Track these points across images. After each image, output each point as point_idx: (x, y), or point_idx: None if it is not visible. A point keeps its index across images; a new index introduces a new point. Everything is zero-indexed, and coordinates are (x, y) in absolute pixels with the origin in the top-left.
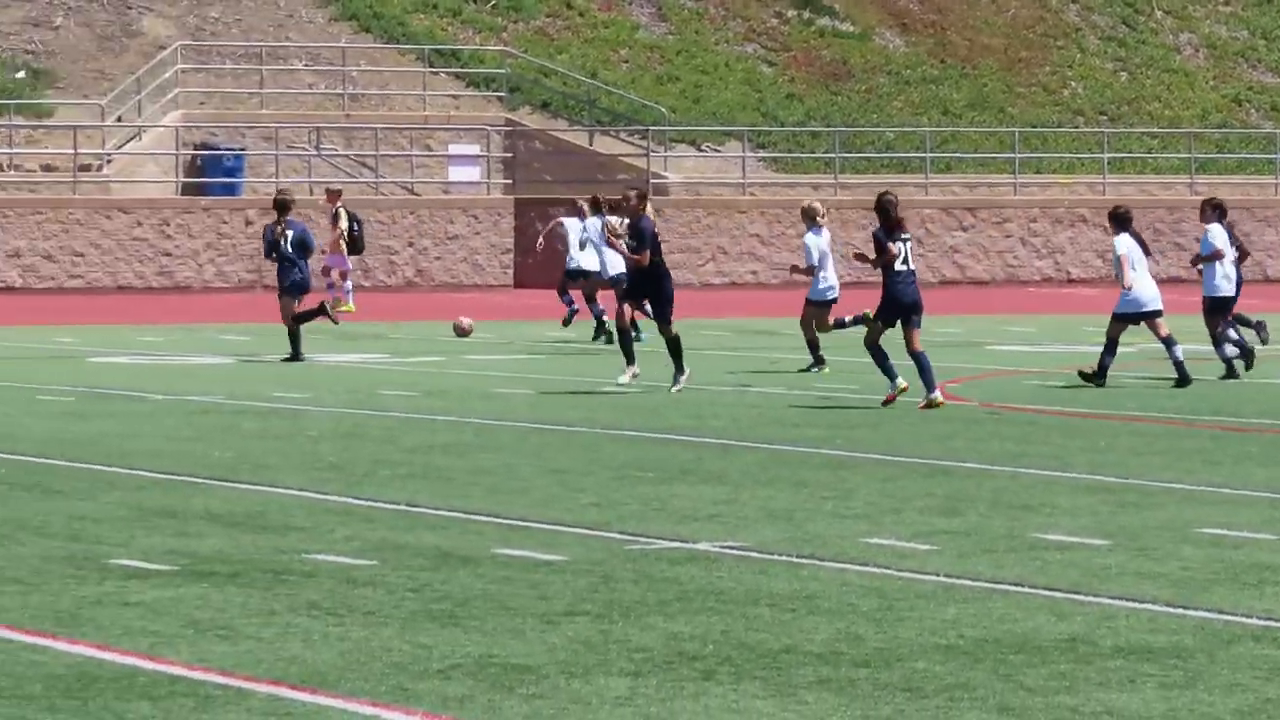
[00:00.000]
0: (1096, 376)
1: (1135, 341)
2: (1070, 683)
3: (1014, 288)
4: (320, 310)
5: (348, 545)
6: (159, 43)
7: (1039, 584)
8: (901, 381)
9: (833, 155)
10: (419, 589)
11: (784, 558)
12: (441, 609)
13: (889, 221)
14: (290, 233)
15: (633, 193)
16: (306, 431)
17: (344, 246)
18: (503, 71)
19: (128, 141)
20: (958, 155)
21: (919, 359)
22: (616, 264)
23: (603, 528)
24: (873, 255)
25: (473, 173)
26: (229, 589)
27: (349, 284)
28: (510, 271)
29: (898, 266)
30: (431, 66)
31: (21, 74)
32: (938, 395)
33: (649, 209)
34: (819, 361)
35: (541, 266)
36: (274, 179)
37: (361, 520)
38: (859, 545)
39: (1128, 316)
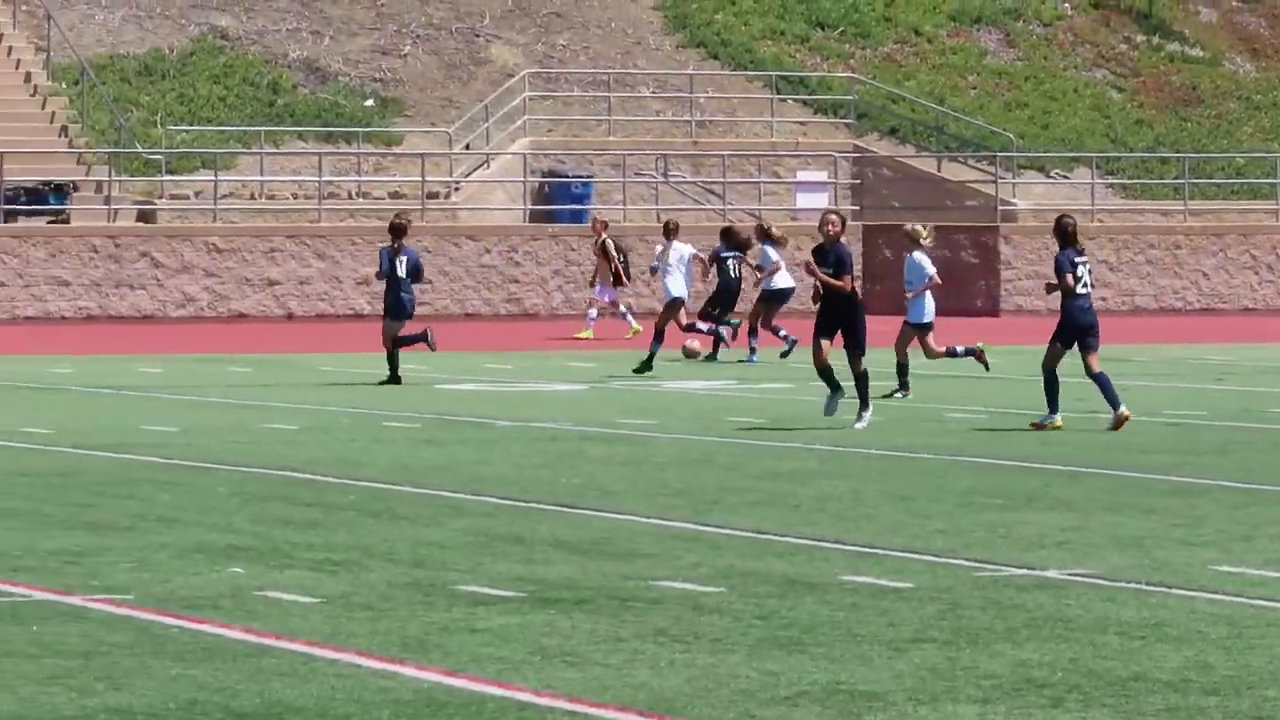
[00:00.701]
0: None
1: None
2: None
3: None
4: (422, 336)
5: (695, 572)
6: (507, 70)
7: None
8: (1058, 419)
9: (1182, 181)
10: (766, 616)
11: (1132, 585)
12: (788, 636)
13: (1068, 244)
14: (405, 258)
15: (834, 217)
16: (654, 458)
17: (613, 278)
18: (850, 98)
19: (475, 169)
20: None
21: (1099, 380)
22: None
23: (950, 554)
24: (1055, 280)
25: (820, 199)
26: (576, 615)
27: (623, 308)
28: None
29: (1078, 290)
30: (779, 93)
31: (370, 102)
32: (1124, 410)
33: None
34: (904, 386)
35: (891, 294)
36: (621, 205)
37: (708, 547)
38: (1208, 573)
39: None
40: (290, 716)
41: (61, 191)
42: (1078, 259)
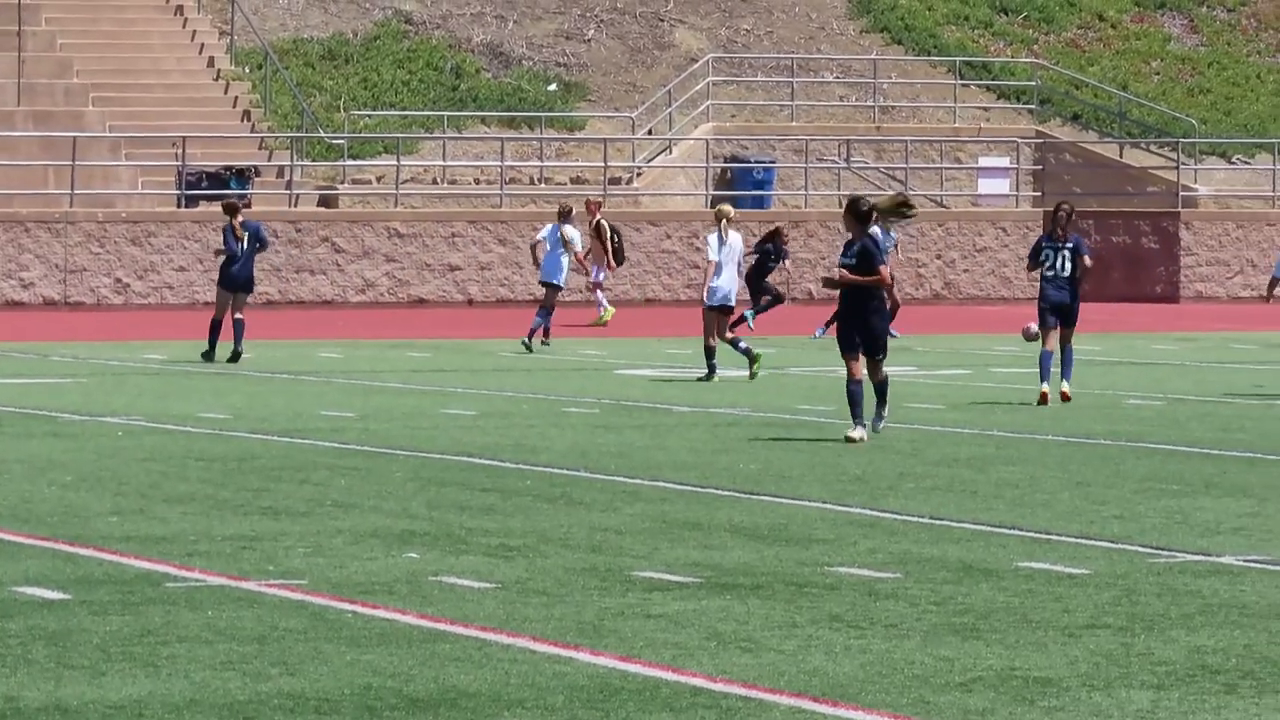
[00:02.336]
0: None
1: None
2: None
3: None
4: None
5: (870, 558)
6: (690, 55)
7: None
8: (1045, 387)
9: None
10: (941, 601)
11: None
12: (964, 622)
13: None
14: (247, 232)
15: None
16: (830, 443)
17: (609, 260)
18: (1033, 84)
19: (658, 154)
20: None
21: (1063, 355)
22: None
23: (1126, 540)
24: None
25: (1002, 185)
26: (751, 601)
27: (601, 295)
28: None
29: (1045, 273)
30: (962, 78)
31: (553, 87)
32: (1045, 387)
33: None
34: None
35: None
36: (804, 191)
37: (885, 533)
38: None
39: None
40: (465, 701)
41: (243, 176)
42: (1045, 244)
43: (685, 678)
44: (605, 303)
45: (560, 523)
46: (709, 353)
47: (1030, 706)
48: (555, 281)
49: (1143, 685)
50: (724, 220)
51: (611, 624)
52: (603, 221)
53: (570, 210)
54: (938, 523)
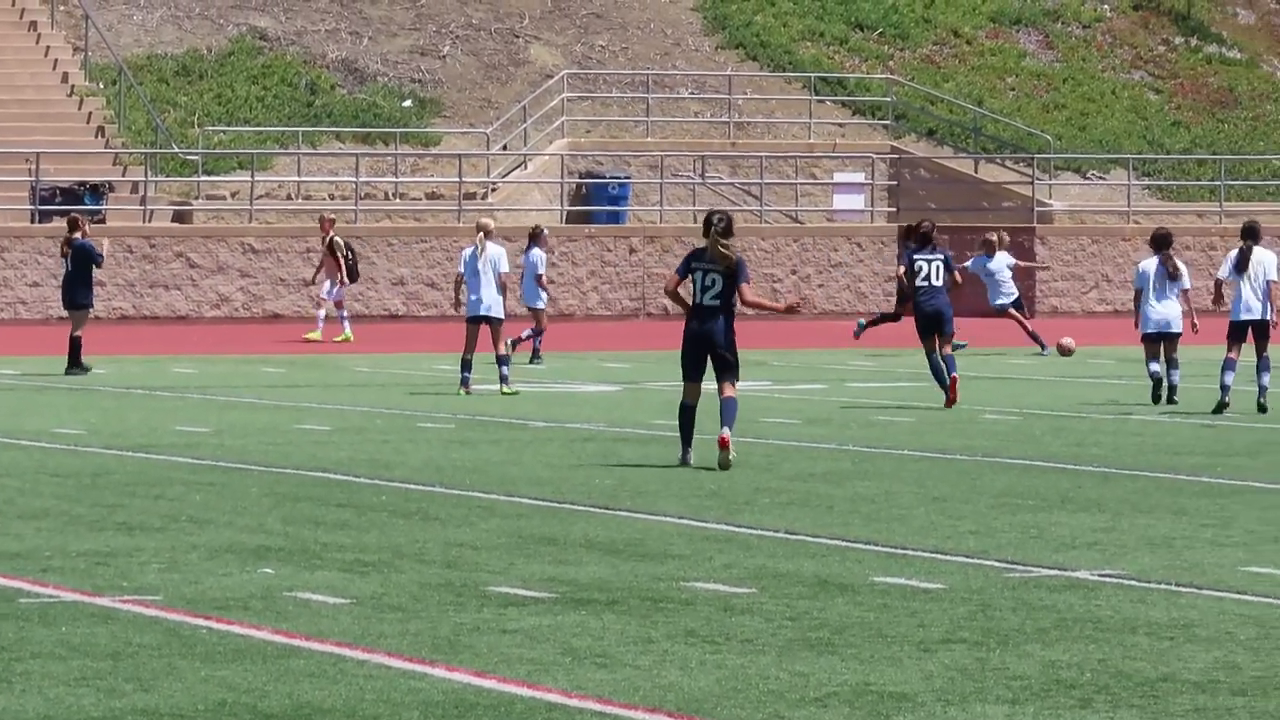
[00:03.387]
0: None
1: None
2: None
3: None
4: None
5: (726, 573)
6: (545, 71)
7: None
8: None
9: (1218, 183)
10: (797, 617)
11: (1162, 586)
12: (819, 637)
13: (924, 244)
14: (71, 250)
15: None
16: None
17: (343, 277)
18: (888, 100)
19: (513, 170)
20: None
21: (946, 360)
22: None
23: (981, 555)
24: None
25: (857, 200)
26: (607, 616)
27: (344, 313)
28: (893, 300)
29: (918, 283)
30: (817, 94)
31: (408, 103)
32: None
33: None
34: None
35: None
36: (659, 207)
37: (740, 548)
38: (1238, 574)
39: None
40: (319, 717)
41: (97, 192)
42: (917, 255)
43: (540, 693)
44: (347, 326)
45: (415, 538)
46: (465, 365)
47: None
48: (537, 306)
49: (998, 700)
50: (482, 233)
51: (466, 640)
52: (336, 238)
53: (540, 231)
54: (793, 538)
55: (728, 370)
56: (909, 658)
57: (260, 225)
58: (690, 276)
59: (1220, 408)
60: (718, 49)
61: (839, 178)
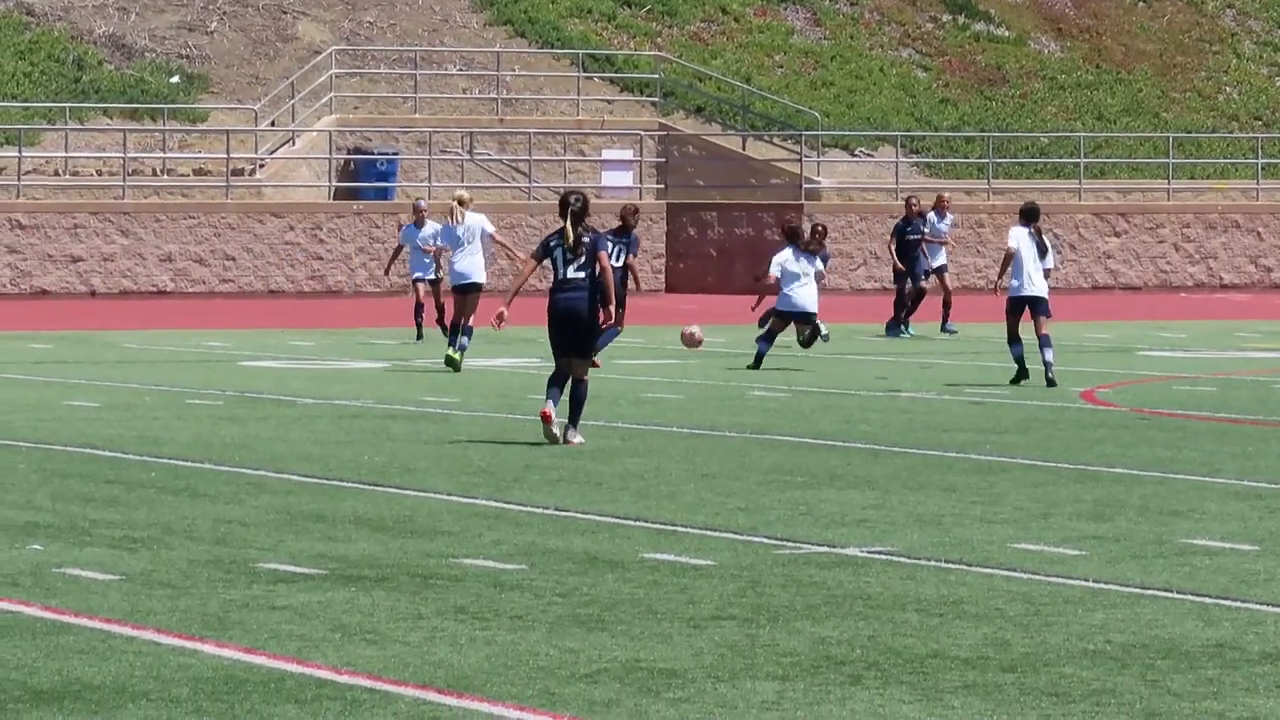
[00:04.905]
0: None
1: None
2: (1217, 688)
3: (1166, 293)
4: None
5: (496, 549)
6: (313, 47)
7: (1187, 589)
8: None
9: (986, 160)
10: (567, 593)
11: (932, 563)
12: (589, 613)
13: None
14: None
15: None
16: (456, 436)
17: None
18: (657, 76)
19: (281, 146)
20: (1111, 160)
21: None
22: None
23: (751, 532)
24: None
25: (625, 177)
26: (377, 593)
27: None
28: (662, 276)
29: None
30: (585, 71)
31: (175, 79)
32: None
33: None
34: None
35: (692, 272)
36: (427, 183)
37: (510, 525)
38: (1007, 550)
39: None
40: (88, 694)
41: None
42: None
43: (310, 669)
44: None
45: (184, 515)
46: (453, 329)
47: (655, 698)
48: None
49: (768, 676)
50: (458, 204)
51: (236, 616)
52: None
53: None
54: (563, 514)
55: (579, 351)
56: (679, 634)
57: (27, 201)
58: (550, 257)
59: (1020, 378)
60: (486, 25)
61: (607, 154)
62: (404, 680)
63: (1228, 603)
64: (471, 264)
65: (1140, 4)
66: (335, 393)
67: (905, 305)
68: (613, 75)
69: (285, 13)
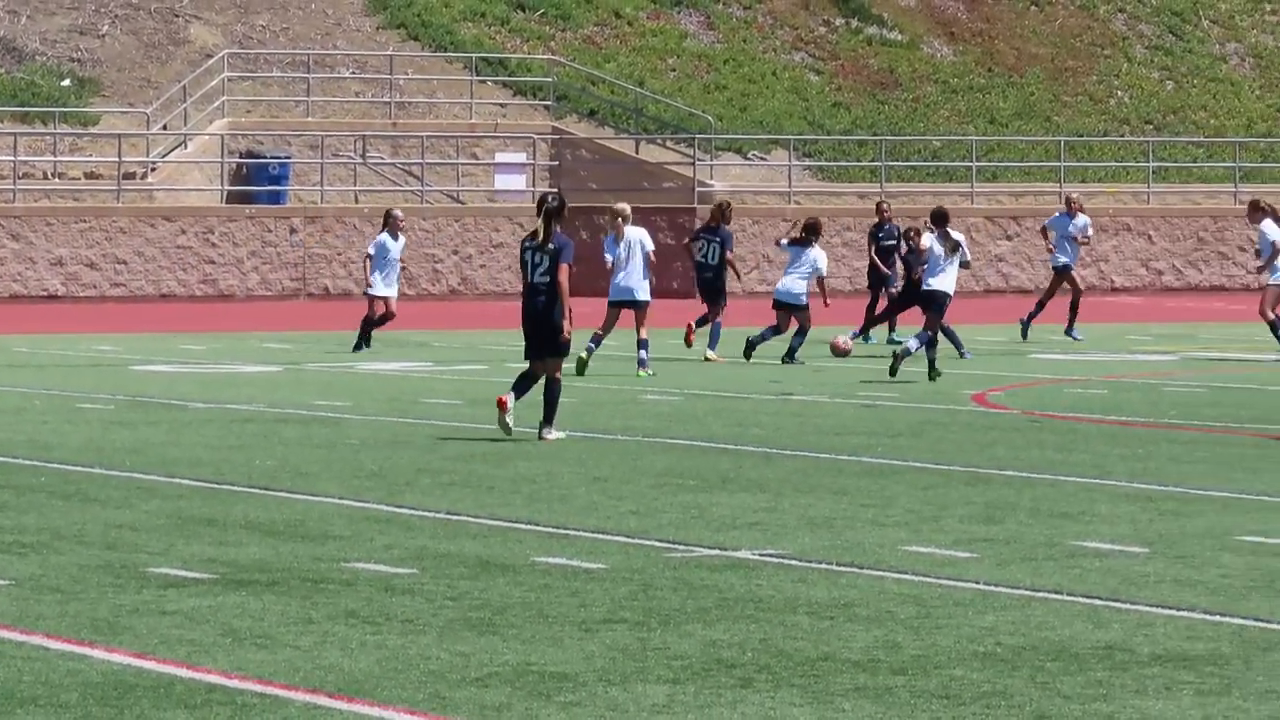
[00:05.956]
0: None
1: (1178, 350)
2: (1107, 690)
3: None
4: None
5: (387, 554)
6: (206, 51)
7: (1077, 591)
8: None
9: (879, 164)
10: (458, 597)
11: (823, 565)
12: (480, 617)
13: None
14: None
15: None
16: (348, 440)
17: None
18: (550, 80)
19: (173, 150)
20: (1004, 164)
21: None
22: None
23: (643, 535)
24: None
25: (518, 181)
26: (267, 597)
27: None
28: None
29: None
30: (479, 75)
31: (67, 82)
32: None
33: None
34: None
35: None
36: (319, 187)
37: (402, 529)
38: (898, 553)
39: None
40: None
41: None
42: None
43: (201, 674)
44: None
45: (74, 519)
46: (596, 340)
47: (547, 701)
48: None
49: (659, 680)
50: (621, 218)
51: (126, 621)
52: None
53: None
54: (454, 518)
55: (551, 351)
56: (570, 638)
57: None
58: (521, 260)
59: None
60: (379, 29)
61: (500, 158)
62: (295, 684)
63: (1117, 605)
64: (634, 279)
65: (1032, 8)
66: (227, 397)
67: (873, 312)
68: (506, 79)
69: (177, 16)
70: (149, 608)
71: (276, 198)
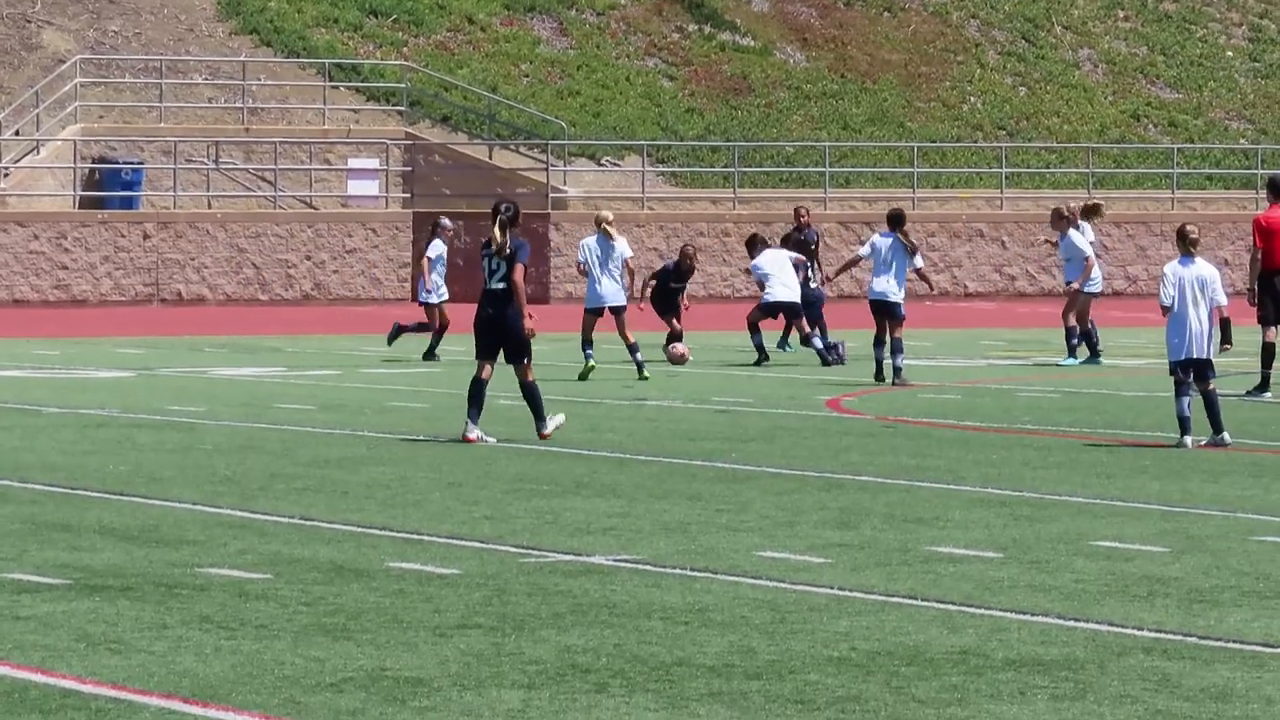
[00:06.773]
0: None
1: (1031, 355)
2: (961, 695)
3: (911, 302)
4: None
5: (241, 559)
6: (58, 56)
7: (931, 596)
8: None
9: (732, 170)
10: (312, 602)
11: (678, 571)
12: (334, 622)
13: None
14: None
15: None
16: (202, 445)
17: None
18: (403, 86)
19: (25, 155)
20: (857, 170)
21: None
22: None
23: (497, 541)
24: None
25: (371, 187)
26: (121, 603)
27: None
28: (407, 285)
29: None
30: (332, 80)
31: None
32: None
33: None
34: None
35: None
36: (172, 193)
37: (256, 534)
38: (753, 558)
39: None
40: None
41: None
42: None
43: (55, 679)
44: None
45: None
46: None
47: (401, 706)
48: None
49: (514, 685)
50: (606, 224)
51: None
52: None
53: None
54: (308, 523)
55: (517, 355)
56: (425, 643)
57: None
58: (481, 266)
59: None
60: (232, 34)
61: (353, 164)
62: (149, 690)
63: (971, 610)
64: (617, 286)
65: (885, 14)
66: (80, 402)
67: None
68: (359, 84)
69: (29, 21)
70: (2, 613)
71: (129, 203)
